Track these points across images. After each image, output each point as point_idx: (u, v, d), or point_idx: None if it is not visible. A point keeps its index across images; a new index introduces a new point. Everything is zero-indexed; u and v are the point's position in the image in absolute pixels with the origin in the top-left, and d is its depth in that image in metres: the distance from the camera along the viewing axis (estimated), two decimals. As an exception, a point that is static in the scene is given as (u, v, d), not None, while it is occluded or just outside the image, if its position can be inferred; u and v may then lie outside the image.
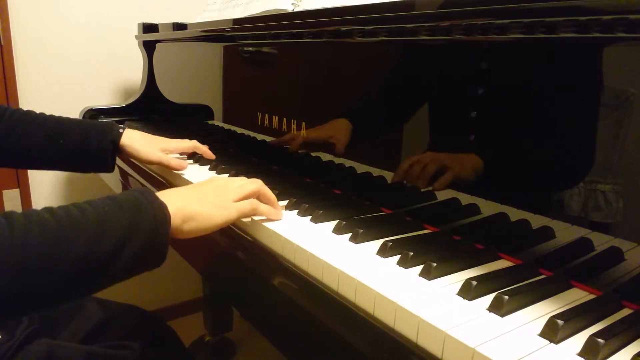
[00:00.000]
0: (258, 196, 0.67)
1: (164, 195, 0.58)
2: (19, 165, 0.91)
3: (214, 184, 0.65)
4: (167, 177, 0.96)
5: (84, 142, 0.88)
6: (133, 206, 0.53)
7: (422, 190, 0.65)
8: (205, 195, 0.62)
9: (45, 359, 0.66)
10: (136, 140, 0.91)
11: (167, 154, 0.93)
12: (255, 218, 0.66)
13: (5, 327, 0.67)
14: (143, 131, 1.31)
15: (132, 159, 0.94)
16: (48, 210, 0.50)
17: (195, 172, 0.92)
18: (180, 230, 0.58)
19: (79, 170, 0.96)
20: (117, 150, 0.91)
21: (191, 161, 1.00)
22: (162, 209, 0.55)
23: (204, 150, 0.97)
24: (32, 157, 0.88)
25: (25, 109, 0.91)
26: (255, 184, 0.67)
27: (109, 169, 0.91)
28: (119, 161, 1.17)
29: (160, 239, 0.54)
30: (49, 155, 0.88)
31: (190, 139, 0.99)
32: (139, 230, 0.52)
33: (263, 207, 0.65)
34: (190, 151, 0.99)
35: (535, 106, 0.54)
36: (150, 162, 0.92)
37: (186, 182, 0.87)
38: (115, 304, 0.88)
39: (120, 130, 0.91)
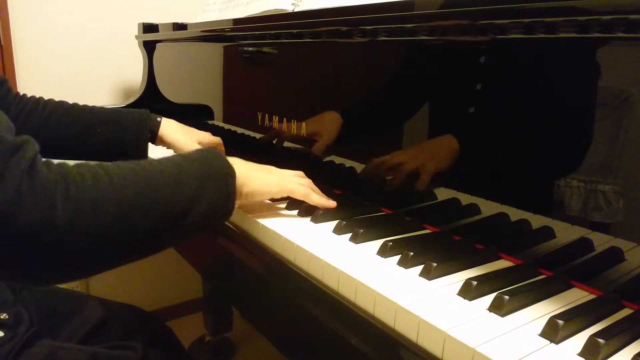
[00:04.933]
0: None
1: (229, 159, 0.62)
2: (54, 157, 0.91)
3: (271, 168, 0.69)
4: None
5: (121, 133, 0.88)
6: (202, 160, 0.59)
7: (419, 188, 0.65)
8: (263, 168, 0.68)
9: None
10: (174, 130, 0.92)
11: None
12: (259, 220, 0.65)
13: (7, 326, 0.67)
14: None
15: (166, 147, 0.94)
16: (131, 161, 0.55)
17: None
18: (240, 192, 0.62)
19: (113, 159, 0.97)
20: (155, 139, 0.92)
21: None
22: (228, 165, 0.60)
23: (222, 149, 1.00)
24: (67, 150, 0.88)
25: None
26: (306, 190, 0.68)
27: (144, 156, 0.92)
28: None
29: (230, 188, 0.59)
30: (83, 148, 0.88)
31: None
32: (211, 178, 0.57)
33: (314, 196, 0.67)
34: (215, 145, 1.00)
35: (535, 106, 0.54)
36: None
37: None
38: (114, 304, 0.88)
39: (158, 119, 0.92)
